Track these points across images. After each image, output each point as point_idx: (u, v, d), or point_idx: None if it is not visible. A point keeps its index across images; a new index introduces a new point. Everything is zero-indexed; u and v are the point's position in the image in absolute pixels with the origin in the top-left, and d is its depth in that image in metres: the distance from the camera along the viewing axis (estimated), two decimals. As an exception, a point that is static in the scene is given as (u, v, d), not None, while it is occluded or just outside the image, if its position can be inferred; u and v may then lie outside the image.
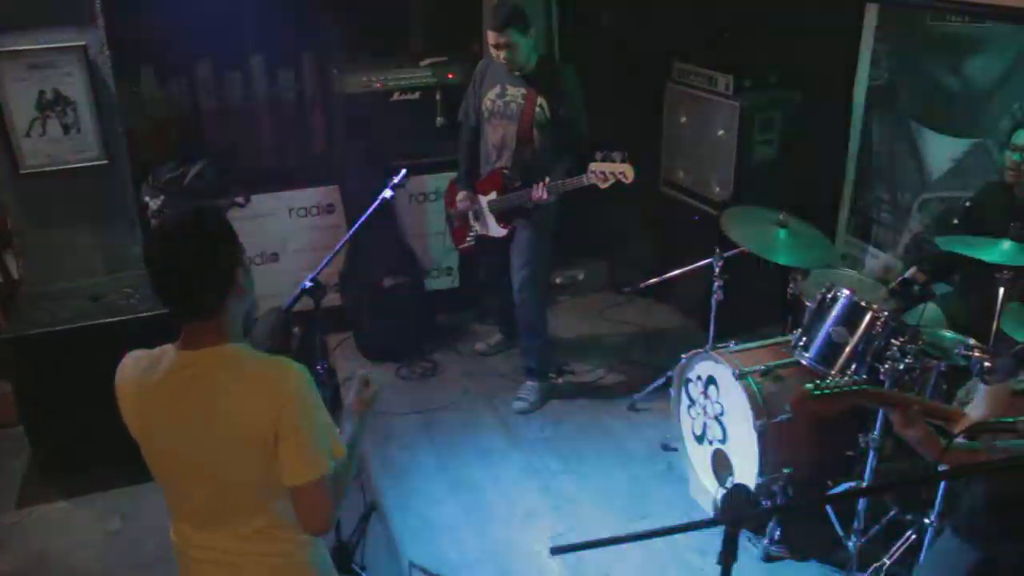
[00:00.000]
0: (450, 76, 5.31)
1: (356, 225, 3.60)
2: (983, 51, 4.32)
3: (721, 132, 5.16)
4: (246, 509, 2.16)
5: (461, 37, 5.03)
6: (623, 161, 4.17)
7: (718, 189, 5.27)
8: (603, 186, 4.22)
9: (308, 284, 3.47)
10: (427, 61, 5.38)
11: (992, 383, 2.36)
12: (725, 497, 1.78)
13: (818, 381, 2.33)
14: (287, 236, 5.37)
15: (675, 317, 5.73)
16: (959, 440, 2.20)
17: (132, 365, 2.17)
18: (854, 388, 2.29)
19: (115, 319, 4.26)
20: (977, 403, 2.35)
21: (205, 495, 2.17)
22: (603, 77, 5.95)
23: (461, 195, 4.78)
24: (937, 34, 4.54)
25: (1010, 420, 1.73)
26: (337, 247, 3.60)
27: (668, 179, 5.72)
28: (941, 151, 4.65)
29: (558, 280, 6.10)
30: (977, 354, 3.20)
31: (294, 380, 2.07)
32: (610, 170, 4.17)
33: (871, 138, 5.04)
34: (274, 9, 5.23)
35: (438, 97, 5.33)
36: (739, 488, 1.79)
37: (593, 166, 4.21)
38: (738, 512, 1.76)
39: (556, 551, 1.95)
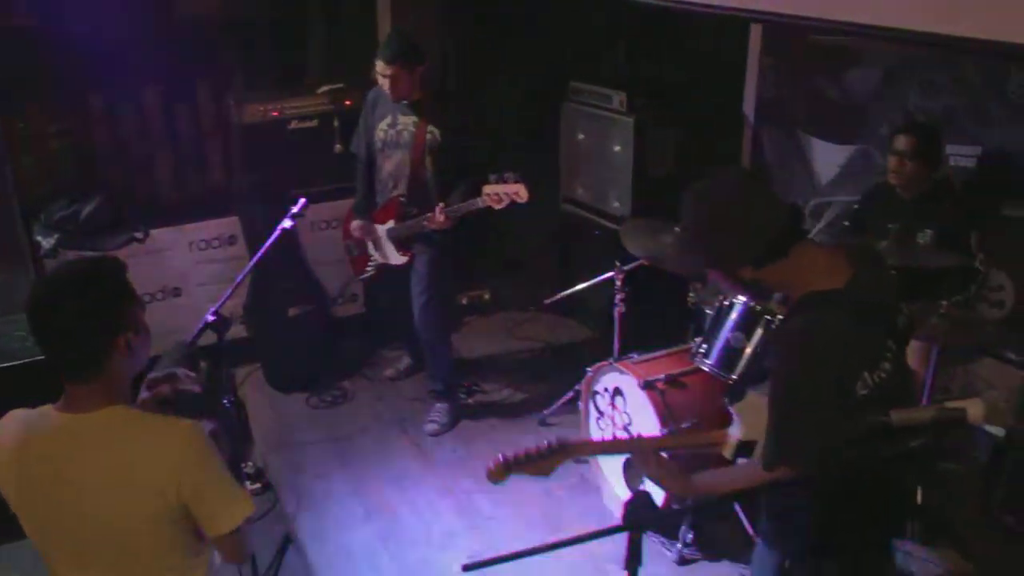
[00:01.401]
0: (348, 103, 5.29)
1: (256, 257, 3.58)
2: (860, 63, 4.51)
3: (617, 148, 5.26)
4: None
5: (358, 63, 5.02)
6: (516, 181, 4.22)
7: (617, 204, 5.36)
8: (498, 207, 4.27)
9: (210, 318, 3.43)
10: (324, 88, 5.37)
11: (733, 403, 2.45)
12: (627, 504, 1.82)
13: (509, 456, 2.37)
14: (189, 270, 5.28)
15: (582, 331, 5.80)
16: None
17: (12, 427, 2.06)
18: (553, 450, 2.31)
19: (7, 364, 4.12)
20: (736, 423, 2.43)
21: (99, 567, 2.09)
22: (502, 99, 6.04)
23: (355, 224, 4.79)
24: (817, 47, 4.72)
25: None
26: (238, 279, 3.57)
27: (569, 196, 5.80)
28: (828, 158, 4.83)
29: (464, 301, 6.13)
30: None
31: (185, 439, 2.04)
32: (504, 191, 4.22)
33: (763, 148, 5.21)
34: (168, 39, 5.17)
35: (336, 124, 5.32)
36: (640, 495, 1.84)
37: (487, 188, 4.25)
38: (639, 518, 1.80)
39: (467, 568, 1.98)
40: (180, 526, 2.07)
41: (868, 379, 2.06)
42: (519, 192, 4.21)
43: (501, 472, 2.34)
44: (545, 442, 2.34)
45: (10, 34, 4.76)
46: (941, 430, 1.71)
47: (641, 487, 3.94)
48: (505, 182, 4.22)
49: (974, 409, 1.67)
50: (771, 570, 2.47)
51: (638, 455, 2.34)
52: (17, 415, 2.09)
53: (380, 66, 4.33)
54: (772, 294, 2.31)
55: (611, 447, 2.39)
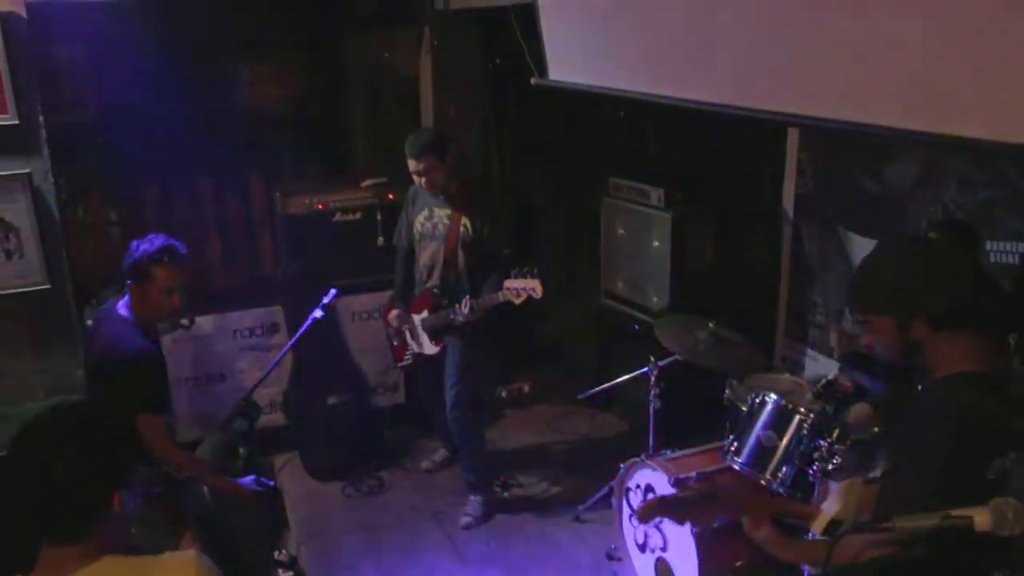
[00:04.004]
0: (390, 196, 5.41)
1: (287, 346, 3.68)
2: (897, 159, 4.50)
3: (656, 243, 5.29)
4: None
5: (402, 158, 5.15)
6: (533, 277, 4.27)
7: (655, 298, 5.36)
8: (517, 302, 4.32)
9: (241, 404, 3.49)
10: (368, 182, 5.49)
11: (841, 479, 2.40)
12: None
13: (662, 496, 2.37)
14: (232, 356, 5.36)
15: (620, 425, 5.76)
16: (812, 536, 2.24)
17: None
18: (706, 495, 2.33)
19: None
20: (831, 499, 2.38)
21: None
22: (545, 194, 6.13)
23: (394, 313, 4.87)
24: (855, 144, 4.72)
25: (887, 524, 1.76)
26: (270, 367, 3.64)
27: (608, 290, 5.81)
28: (866, 253, 4.76)
29: (504, 394, 6.13)
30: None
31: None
32: (521, 286, 4.28)
33: (802, 243, 5.18)
34: (222, 132, 5.34)
35: (379, 217, 5.42)
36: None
37: (507, 283, 4.32)
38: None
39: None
40: None
41: (998, 465, 2.05)
42: (535, 288, 4.27)
43: (649, 512, 2.36)
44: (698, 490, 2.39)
45: (74, 128, 4.96)
46: (944, 539, 1.66)
47: None
48: (524, 277, 4.28)
49: (981, 517, 1.63)
50: None
51: (755, 517, 2.31)
52: None
53: (411, 163, 4.47)
54: (909, 366, 2.29)
55: (740, 502, 2.39)
